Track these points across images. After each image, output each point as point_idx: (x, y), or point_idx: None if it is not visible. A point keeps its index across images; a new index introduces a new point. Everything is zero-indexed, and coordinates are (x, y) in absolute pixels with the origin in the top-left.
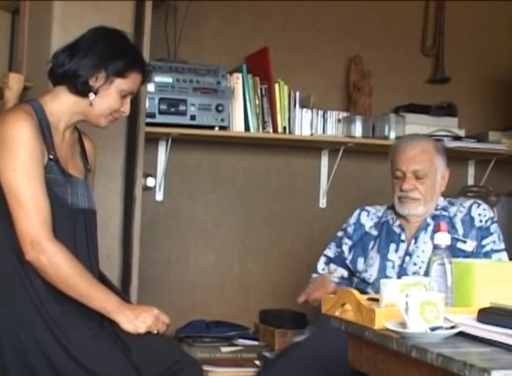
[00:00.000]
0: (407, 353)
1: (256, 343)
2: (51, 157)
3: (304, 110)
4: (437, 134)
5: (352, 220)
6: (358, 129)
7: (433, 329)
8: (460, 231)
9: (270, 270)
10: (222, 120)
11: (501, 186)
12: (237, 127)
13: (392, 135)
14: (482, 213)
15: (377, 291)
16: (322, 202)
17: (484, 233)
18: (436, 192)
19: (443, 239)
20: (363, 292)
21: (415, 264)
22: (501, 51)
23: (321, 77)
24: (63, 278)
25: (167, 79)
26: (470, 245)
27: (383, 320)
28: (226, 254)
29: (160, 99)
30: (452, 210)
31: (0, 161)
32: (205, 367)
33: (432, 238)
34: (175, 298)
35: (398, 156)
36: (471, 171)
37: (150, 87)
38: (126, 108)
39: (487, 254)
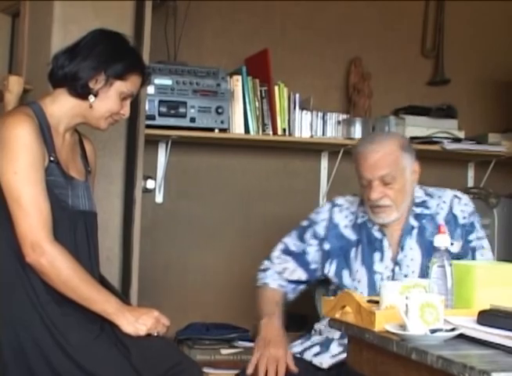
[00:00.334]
0: (407, 355)
1: None
2: (51, 159)
3: (304, 112)
4: (437, 136)
5: (322, 216)
6: (357, 131)
7: (433, 331)
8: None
9: None
10: (222, 122)
11: (501, 188)
12: (237, 129)
13: None
14: (464, 209)
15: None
16: (322, 204)
17: (468, 228)
18: (408, 192)
19: (443, 241)
20: None
21: (406, 276)
22: (501, 53)
23: (321, 79)
24: (63, 280)
25: (166, 81)
26: (456, 246)
27: (383, 322)
28: (226, 255)
29: (160, 102)
30: (432, 204)
31: (0, 164)
32: (205, 369)
33: (419, 243)
34: (175, 300)
35: (360, 163)
36: (471, 172)
37: (150, 89)
38: (126, 110)
39: (474, 250)
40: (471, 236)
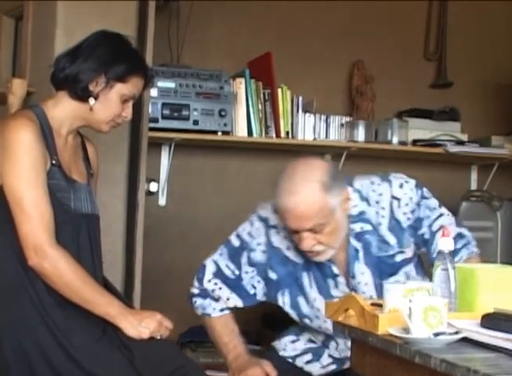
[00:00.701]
0: (410, 359)
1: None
2: (53, 162)
3: (307, 114)
4: (440, 138)
5: (258, 240)
6: (360, 134)
7: (436, 334)
8: (393, 241)
9: None
10: (225, 125)
11: (504, 191)
12: (240, 132)
13: (395, 140)
14: (406, 210)
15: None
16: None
17: (415, 225)
18: (342, 226)
19: (446, 244)
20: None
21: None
22: (504, 55)
23: (324, 82)
24: (65, 283)
25: (169, 84)
26: (410, 251)
27: (386, 326)
28: None
29: (163, 104)
30: (371, 215)
31: (3, 168)
32: (208, 372)
33: (367, 263)
34: (178, 303)
35: (283, 216)
36: (474, 175)
37: (153, 92)
38: (128, 113)
39: (433, 235)
40: (421, 231)
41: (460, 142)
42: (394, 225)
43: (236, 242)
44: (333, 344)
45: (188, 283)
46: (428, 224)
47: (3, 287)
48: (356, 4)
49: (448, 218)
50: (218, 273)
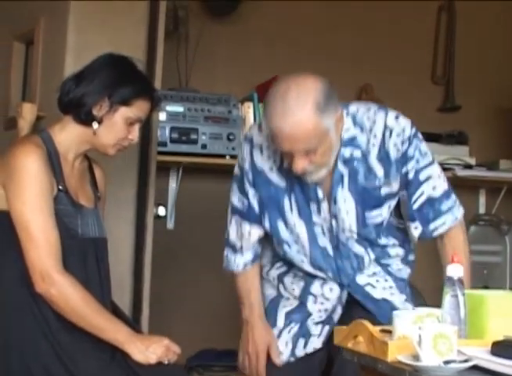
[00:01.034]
0: None
1: None
2: (60, 187)
3: None
4: (448, 162)
5: (247, 161)
6: None
7: (446, 362)
8: (380, 173)
9: None
10: (233, 149)
11: None
12: None
13: None
14: (397, 141)
15: (314, 263)
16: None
17: (402, 160)
18: (334, 145)
19: (456, 271)
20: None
21: (343, 230)
22: (511, 79)
23: None
24: (73, 310)
25: (178, 108)
26: (395, 186)
27: (395, 353)
28: None
29: (172, 128)
30: (362, 141)
31: (9, 194)
32: None
33: (352, 191)
34: (186, 327)
35: (275, 133)
36: (482, 199)
37: (162, 116)
38: (134, 135)
39: (418, 183)
40: (408, 167)
41: (468, 166)
42: (383, 156)
43: (238, 172)
44: (316, 282)
45: (195, 307)
46: (416, 168)
47: (10, 311)
48: (364, 28)
49: (437, 169)
50: (234, 210)
